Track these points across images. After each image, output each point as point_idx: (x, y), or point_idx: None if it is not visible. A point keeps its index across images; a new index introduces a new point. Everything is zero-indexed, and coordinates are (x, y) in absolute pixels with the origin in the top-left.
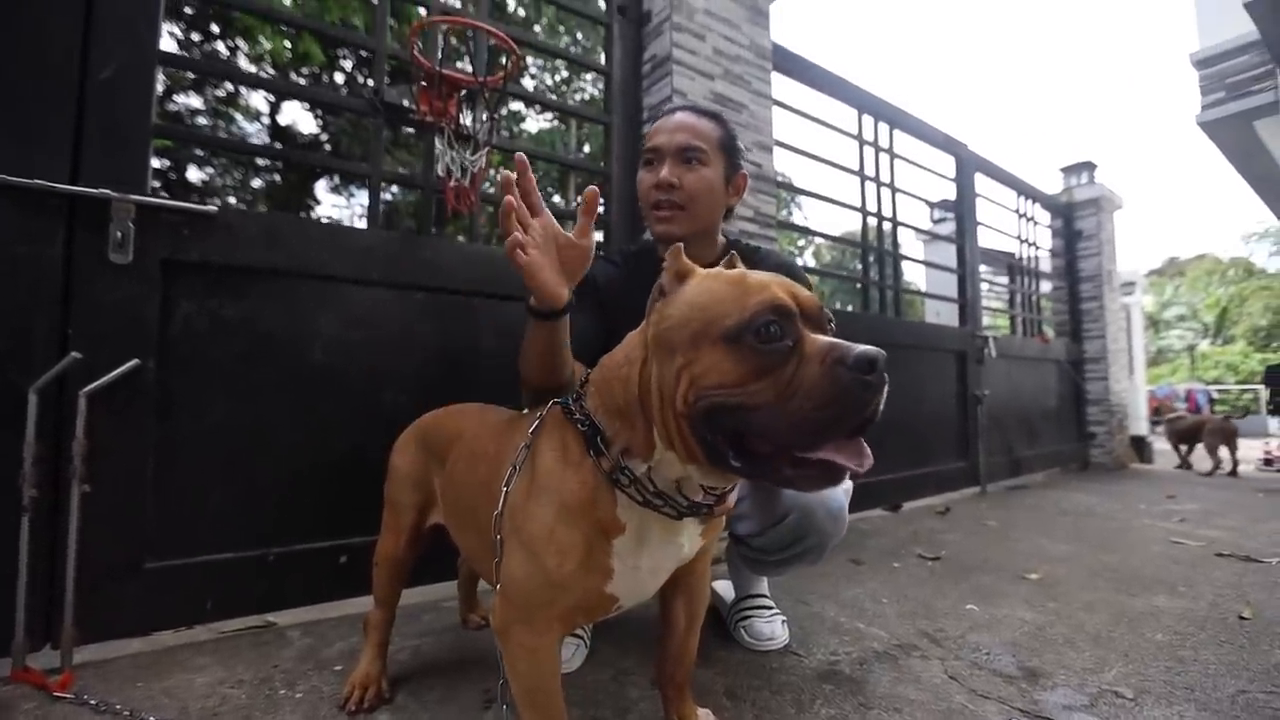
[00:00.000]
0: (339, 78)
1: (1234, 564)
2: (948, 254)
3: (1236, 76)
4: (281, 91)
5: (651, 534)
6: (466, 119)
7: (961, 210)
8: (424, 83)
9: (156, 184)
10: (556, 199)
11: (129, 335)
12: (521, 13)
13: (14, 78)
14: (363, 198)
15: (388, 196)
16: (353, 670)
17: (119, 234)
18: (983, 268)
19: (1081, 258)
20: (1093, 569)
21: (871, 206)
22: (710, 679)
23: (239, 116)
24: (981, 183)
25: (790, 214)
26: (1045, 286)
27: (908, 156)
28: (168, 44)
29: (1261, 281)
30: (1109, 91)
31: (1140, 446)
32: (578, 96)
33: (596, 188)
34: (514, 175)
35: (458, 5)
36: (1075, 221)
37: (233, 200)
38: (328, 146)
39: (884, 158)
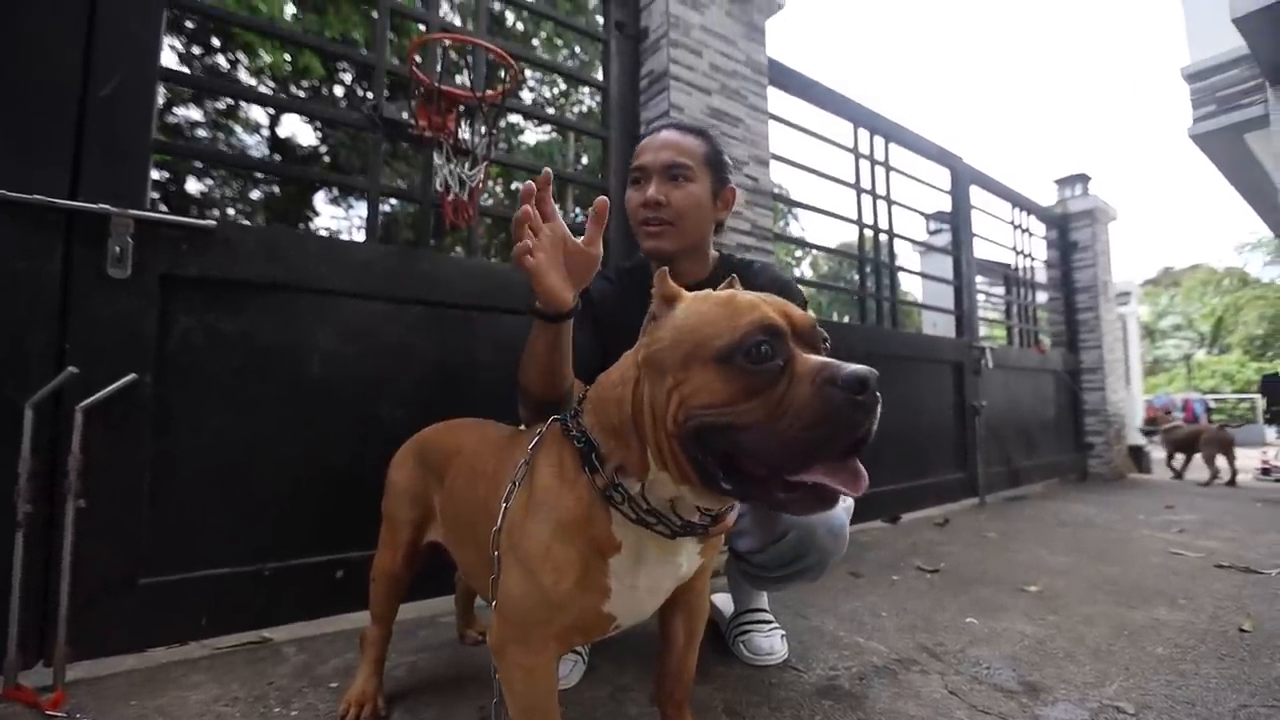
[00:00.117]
0: (338, 90)
1: (1234, 575)
2: (944, 265)
3: (1227, 90)
4: (281, 106)
5: (648, 553)
6: (465, 134)
7: (957, 222)
8: (423, 97)
9: (155, 195)
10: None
11: (126, 350)
12: (520, 27)
13: (16, 93)
14: (361, 209)
15: (386, 208)
16: (348, 687)
17: (117, 249)
18: (979, 279)
19: (1077, 269)
20: (1092, 581)
21: (868, 219)
22: (709, 695)
23: (239, 128)
24: (977, 195)
25: (787, 225)
26: (1041, 297)
27: (903, 169)
28: (169, 56)
29: (1256, 291)
30: (1102, 105)
31: (1138, 456)
32: (576, 109)
33: (606, 199)
34: (535, 187)
35: (457, 21)
36: (1070, 233)
37: (231, 211)
38: (327, 159)
39: (880, 171)
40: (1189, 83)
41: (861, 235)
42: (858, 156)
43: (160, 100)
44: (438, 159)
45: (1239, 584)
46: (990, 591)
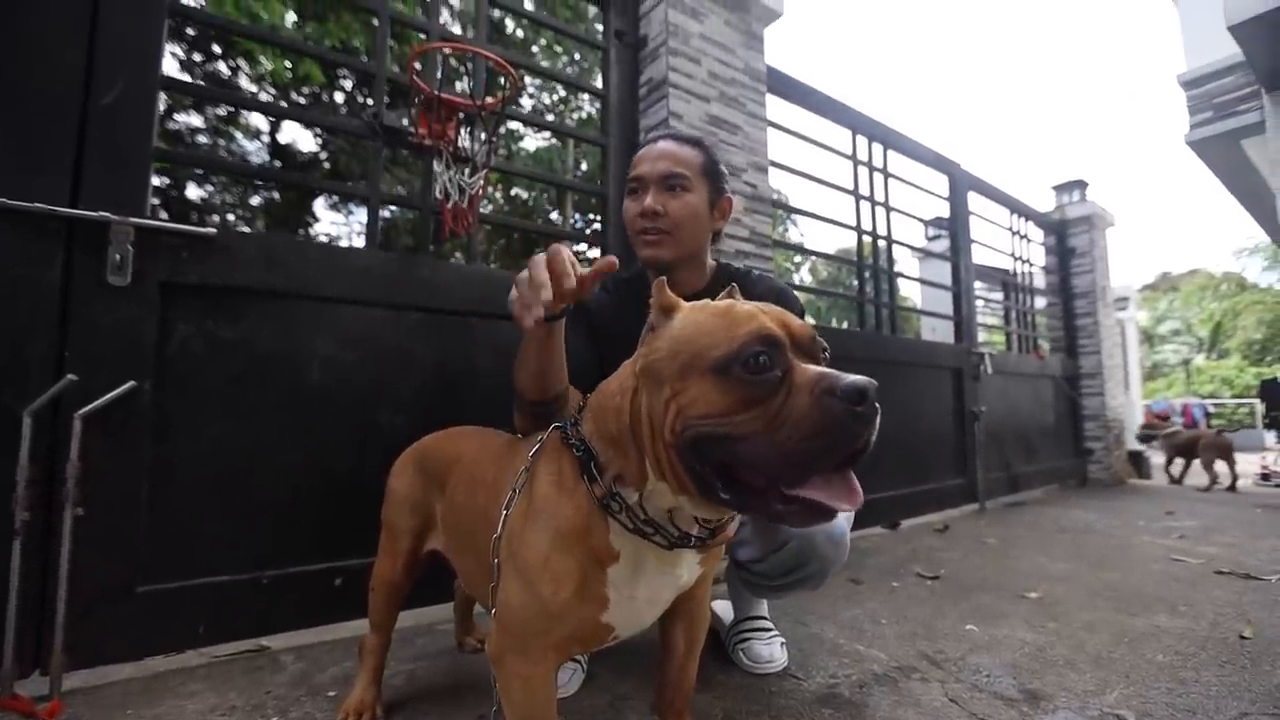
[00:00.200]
0: (339, 96)
1: (1234, 581)
2: (943, 271)
3: (1223, 97)
4: (282, 115)
5: (647, 563)
6: (465, 141)
7: (955, 228)
8: (423, 105)
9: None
10: (555, 216)
11: (126, 357)
12: (520, 34)
13: (18, 101)
14: (361, 214)
15: (386, 213)
16: (346, 696)
17: (118, 256)
18: (977, 284)
19: (1075, 274)
20: (1093, 587)
21: (866, 225)
22: (709, 703)
23: (239, 134)
24: (975, 201)
25: (786, 230)
26: (1040, 303)
27: (902, 176)
28: (169, 63)
29: (1254, 296)
30: (1100, 112)
31: (1138, 462)
32: (575, 115)
33: (615, 261)
34: (599, 270)
35: (456, 28)
36: (1068, 239)
37: (231, 217)
38: (327, 164)
39: (878, 177)
40: (1186, 89)
41: (860, 241)
42: (856, 163)
43: (161, 105)
44: (437, 166)
45: (1239, 590)
46: (990, 598)
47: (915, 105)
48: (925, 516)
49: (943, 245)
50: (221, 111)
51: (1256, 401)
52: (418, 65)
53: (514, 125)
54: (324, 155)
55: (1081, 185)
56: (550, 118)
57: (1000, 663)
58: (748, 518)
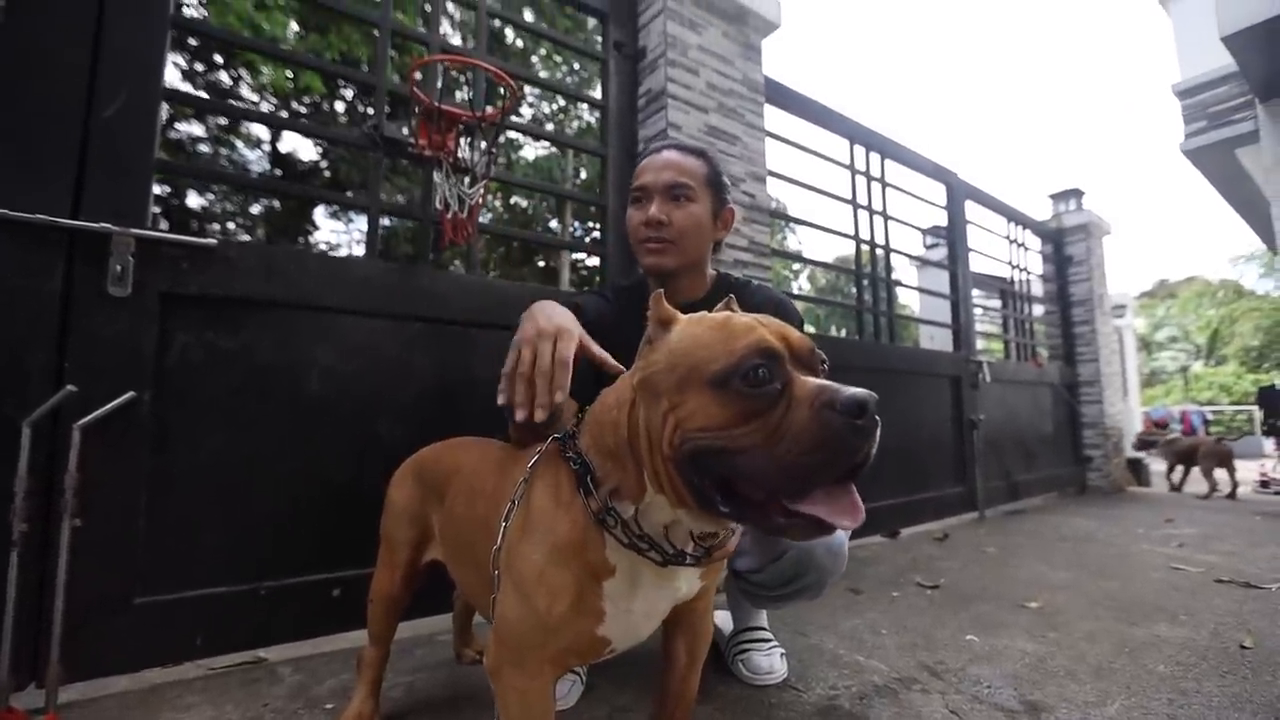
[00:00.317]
0: (339, 105)
1: (1234, 590)
2: (941, 280)
3: (1218, 106)
4: (282, 125)
5: (644, 577)
6: (464, 152)
7: (953, 237)
8: (423, 116)
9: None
10: (554, 224)
11: (125, 368)
12: (520, 44)
13: (21, 113)
14: (361, 223)
15: (386, 222)
16: (344, 709)
17: (118, 267)
18: (975, 293)
19: (1072, 282)
20: (1093, 597)
21: (865, 234)
22: (708, 715)
23: (240, 143)
24: (972, 210)
25: (784, 239)
26: (1038, 311)
27: (899, 185)
28: (171, 72)
29: (1251, 303)
30: (1096, 121)
31: (1137, 469)
32: (574, 124)
33: (620, 368)
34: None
35: (457, 39)
36: (1065, 247)
37: (232, 226)
38: (327, 173)
39: (876, 186)
40: (1180, 99)
41: (858, 250)
42: (854, 172)
43: (162, 113)
44: (437, 176)
45: (1239, 599)
46: (990, 608)
47: (913, 115)
48: (925, 525)
49: (941, 254)
50: (222, 121)
51: (1255, 408)
52: (418, 76)
53: (514, 134)
54: (324, 164)
55: (1078, 194)
56: (549, 127)
57: (1001, 673)
58: (747, 527)
